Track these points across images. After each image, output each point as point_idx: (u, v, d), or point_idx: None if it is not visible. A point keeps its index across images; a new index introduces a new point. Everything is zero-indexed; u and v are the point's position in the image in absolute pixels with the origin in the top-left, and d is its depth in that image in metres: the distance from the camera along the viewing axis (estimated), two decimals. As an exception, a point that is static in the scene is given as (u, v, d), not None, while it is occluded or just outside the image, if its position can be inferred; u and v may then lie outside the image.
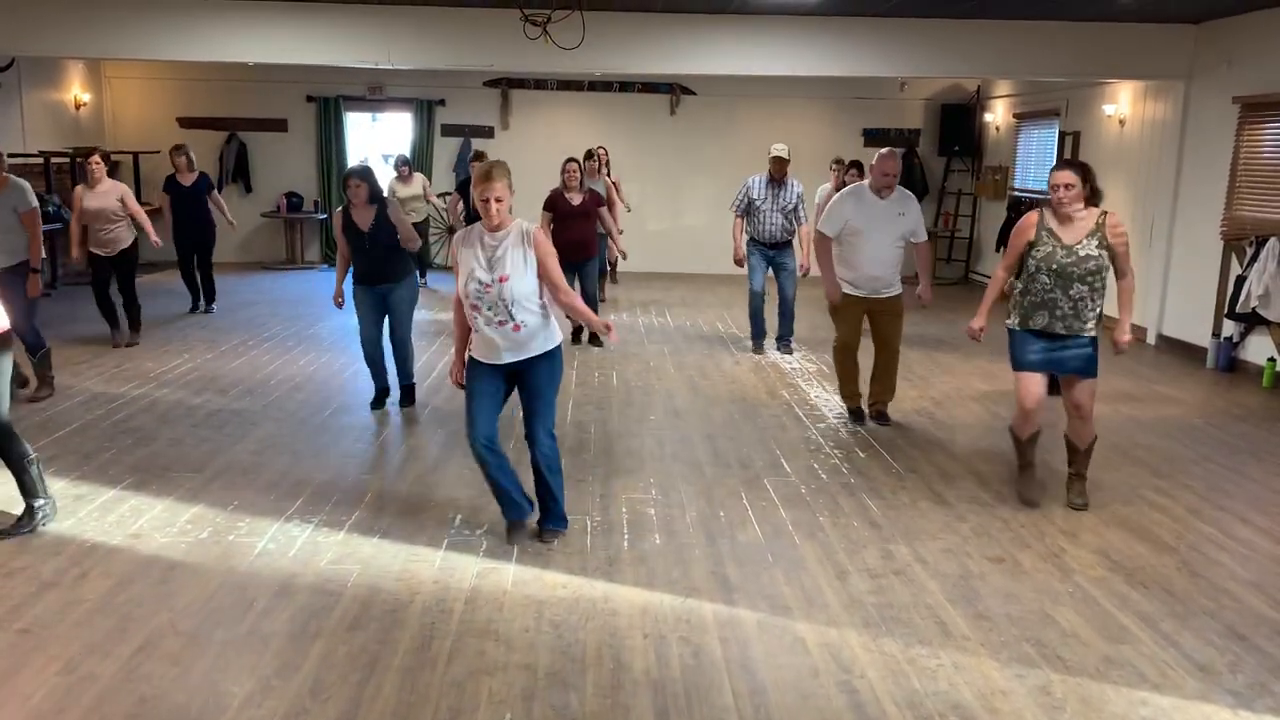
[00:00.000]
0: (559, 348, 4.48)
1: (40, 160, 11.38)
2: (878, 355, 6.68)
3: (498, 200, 4.17)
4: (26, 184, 6.65)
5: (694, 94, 14.07)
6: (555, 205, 8.62)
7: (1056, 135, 11.89)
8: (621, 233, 9.98)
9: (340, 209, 6.48)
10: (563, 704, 3.28)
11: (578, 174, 8.61)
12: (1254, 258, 8.28)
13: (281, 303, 11.00)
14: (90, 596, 3.95)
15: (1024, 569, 4.43)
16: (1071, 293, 4.85)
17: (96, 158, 8.39)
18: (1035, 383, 5.03)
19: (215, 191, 10.18)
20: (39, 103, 11.94)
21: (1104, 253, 4.85)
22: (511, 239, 4.25)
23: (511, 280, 4.21)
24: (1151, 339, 9.89)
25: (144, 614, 3.81)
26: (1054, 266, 4.83)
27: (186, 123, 13.87)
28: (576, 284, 8.73)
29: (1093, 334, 4.98)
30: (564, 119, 14.01)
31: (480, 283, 4.23)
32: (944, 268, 13.65)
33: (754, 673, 3.50)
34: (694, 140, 14.15)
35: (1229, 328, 8.73)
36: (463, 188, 10.29)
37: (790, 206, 8.51)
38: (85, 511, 4.82)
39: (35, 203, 6.63)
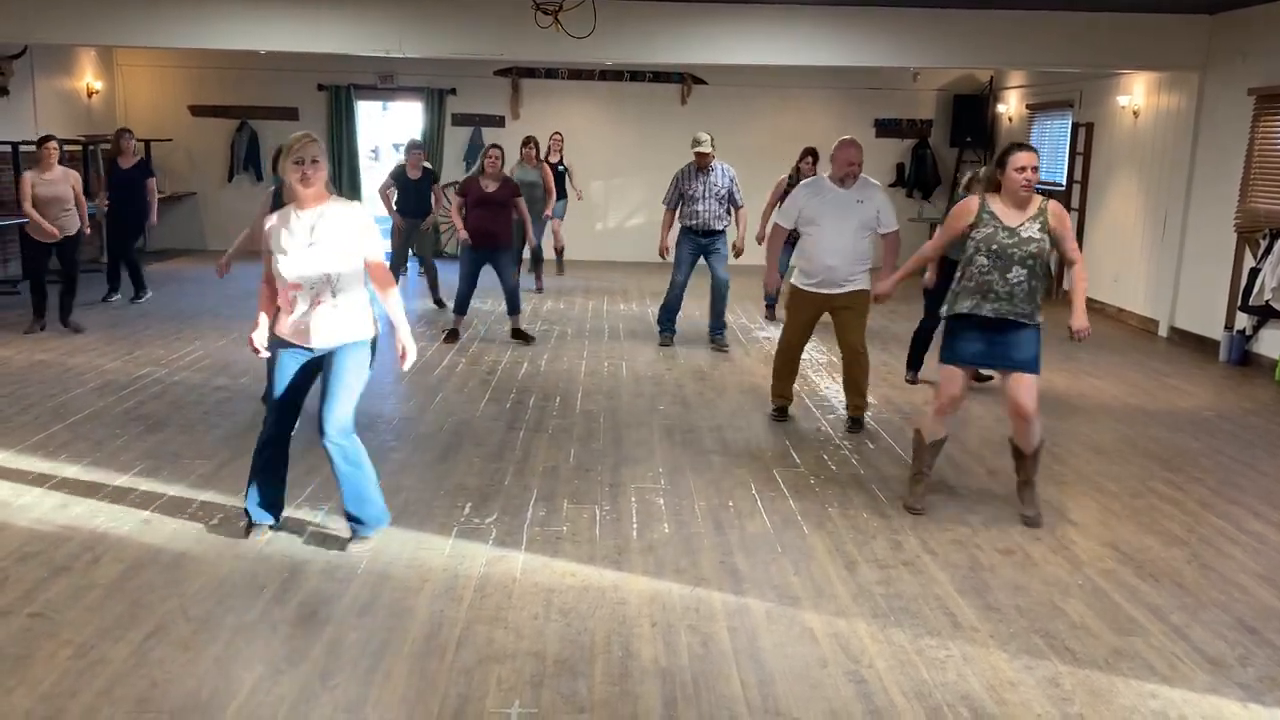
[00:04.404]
0: (372, 342, 4.34)
1: (53, 148, 11.41)
2: (844, 361, 6.36)
3: (314, 161, 4.04)
4: None
5: (705, 84, 14.03)
6: (467, 191, 8.45)
7: (1070, 126, 11.83)
8: (553, 218, 10.08)
9: (273, 189, 6.35)
10: (571, 692, 3.28)
11: (499, 162, 8.43)
12: (1268, 250, 8.23)
13: (292, 291, 10.99)
14: (102, 581, 3.97)
15: (1033, 560, 4.42)
16: (1010, 276, 4.64)
17: (53, 144, 8.51)
18: (960, 378, 4.87)
19: (152, 180, 10.11)
20: (52, 90, 11.96)
21: (1046, 237, 4.67)
22: (333, 213, 4.14)
23: (336, 255, 4.11)
24: (1164, 331, 9.84)
25: (155, 599, 3.83)
26: (994, 247, 4.63)
27: (198, 110, 13.90)
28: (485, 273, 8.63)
29: (1036, 323, 4.75)
30: (574, 108, 13.99)
31: (300, 258, 4.10)
32: (955, 259, 13.58)
33: (762, 662, 3.50)
34: (705, 130, 14.06)
35: (1242, 320, 8.69)
36: (398, 175, 9.97)
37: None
38: (97, 497, 4.85)
39: None
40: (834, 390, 7.33)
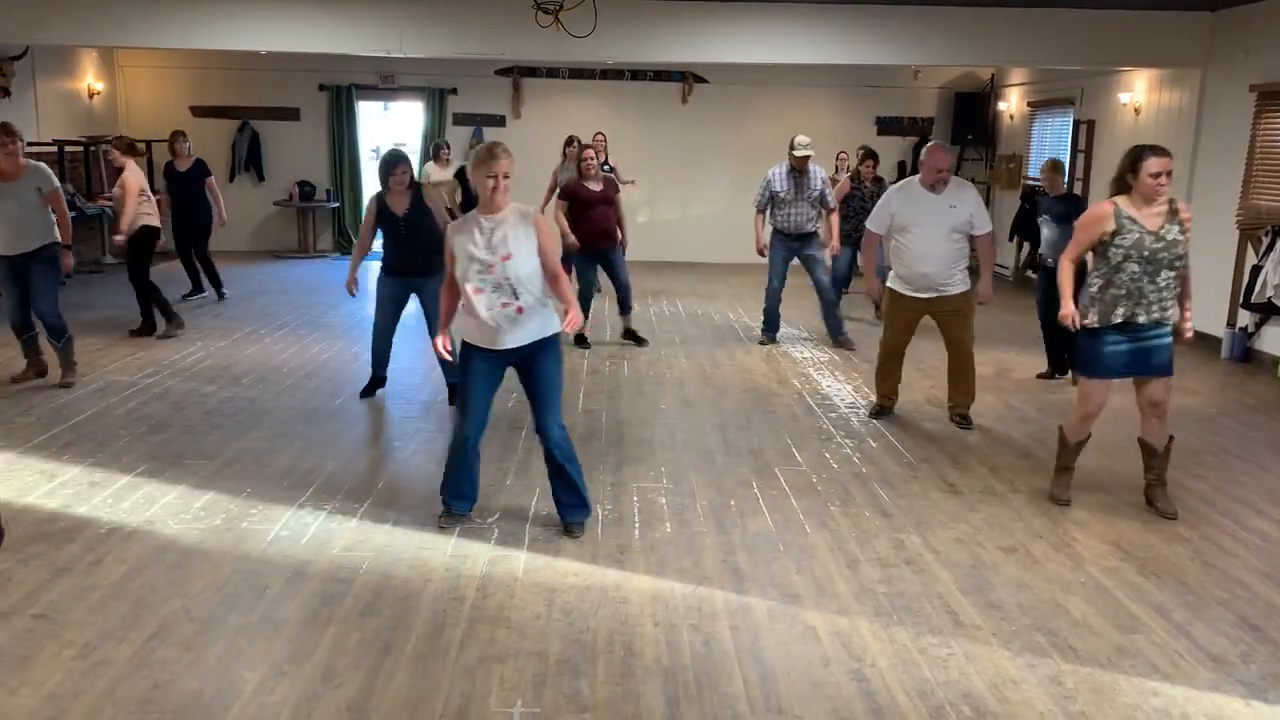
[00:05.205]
0: (559, 335, 4.44)
1: (54, 149, 11.42)
2: (950, 359, 6.41)
3: (505, 177, 4.17)
4: (45, 165, 6.81)
5: (706, 82, 14.02)
6: (575, 194, 8.34)
7: (1071, 124, 11.82)
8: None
9: (375, 195, 6.42)
10: (573, 691, 3.29)
11: (594, 161, 8.37)
12: (1270, 247, 8.23)
13: (294, 291, 11.03)
14: (105, 582, 3.97)
15: (1036, 558, 4.42)
16: (1159, 280, 4.68)
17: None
18: (1105, 390, 4.91)
19: (210, 179, 10.09)
20: (53, 91, 11.97)
21: (1185, 238, 4.71)
22: (511, 220, 4.24)
23: (515, 259, 4.20)
24: (1165, 329, 9.83)
25: (158, 600, 3.84)
26: (1145, 253, 4.65)
27: (199, 111, 13.89)
28: (594, 273, 8.67)
29: (1172, 323, 4.81)
30: (575, 108, 13.97)
31: (482, 263, 4.20)
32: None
33: (764, 661, 3.50)
34: (706, 129, 14.10)
35: (1244, 318, 8.68)
36: (460, 175, 10.29)
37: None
38: (100, 498, 4.85)
39: (58, 183, 6.83)
40: (835, 388, 7.33)
